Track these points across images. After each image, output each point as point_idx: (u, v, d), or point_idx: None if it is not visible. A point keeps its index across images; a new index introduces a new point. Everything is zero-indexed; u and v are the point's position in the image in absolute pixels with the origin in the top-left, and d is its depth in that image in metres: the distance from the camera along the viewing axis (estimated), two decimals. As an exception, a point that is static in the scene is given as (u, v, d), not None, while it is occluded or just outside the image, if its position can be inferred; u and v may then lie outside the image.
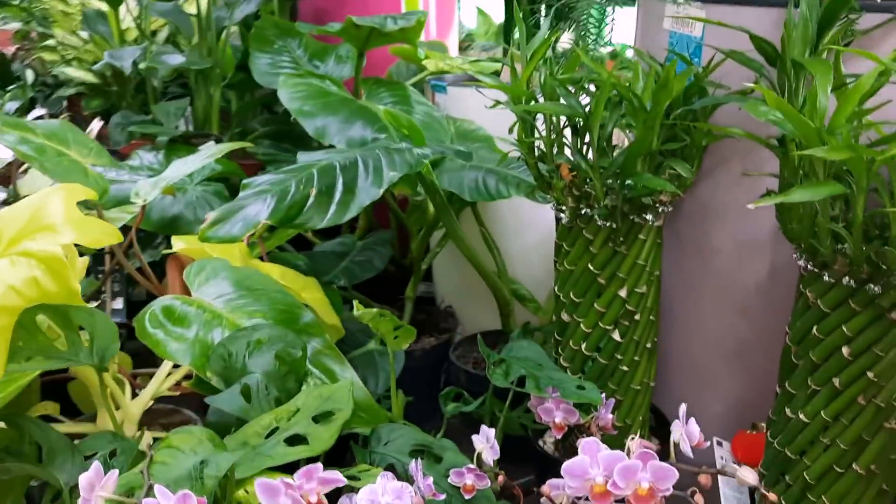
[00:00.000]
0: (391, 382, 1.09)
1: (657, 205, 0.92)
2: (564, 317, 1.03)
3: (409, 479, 0.89)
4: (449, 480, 0.94)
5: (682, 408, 0.77)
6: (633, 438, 0.83)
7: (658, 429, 1.16)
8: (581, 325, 1.01)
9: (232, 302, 1.03)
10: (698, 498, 0.80)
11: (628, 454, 0.77)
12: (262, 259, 1.33)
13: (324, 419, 0.88)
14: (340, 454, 0.98)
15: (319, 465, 0.67)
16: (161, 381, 1.14)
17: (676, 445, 0.77)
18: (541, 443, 1.16)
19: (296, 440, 0.86)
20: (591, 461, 0.76)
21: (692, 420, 0.76)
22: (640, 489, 0.74)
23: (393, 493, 0.81)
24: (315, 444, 0.85)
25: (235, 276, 1.07)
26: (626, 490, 0.74)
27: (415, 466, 0.86)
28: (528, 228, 1.49)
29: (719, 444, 1.03)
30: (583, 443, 0.76)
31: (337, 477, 0.68)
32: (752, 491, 1.03)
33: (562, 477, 1.14)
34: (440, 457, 0.98)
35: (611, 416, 0.98)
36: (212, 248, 1.24)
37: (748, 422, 1.04)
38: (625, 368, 1.02)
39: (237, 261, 1.19)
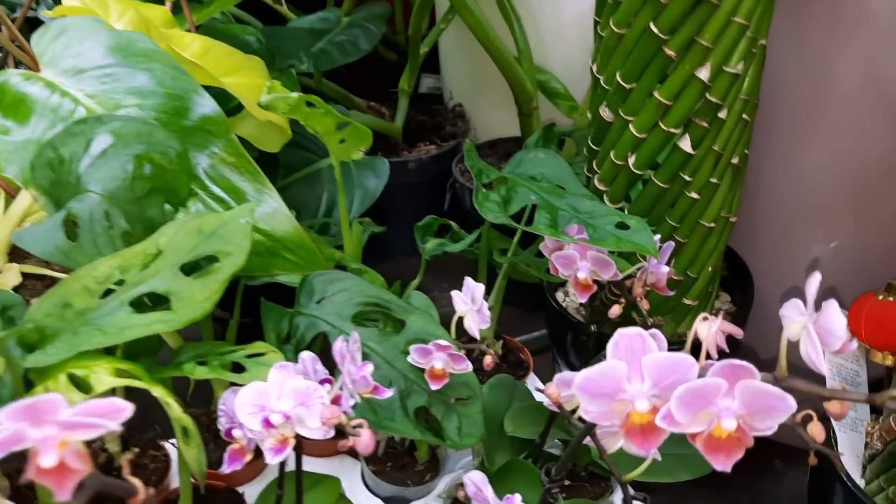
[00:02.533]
0: (341, 206, 0.74)
1: (780, -88, 0.52)
2: (604, 113, 0.66)
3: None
4: (409, 360, 0.61)
5: (815, 278, 0.41)
6: (705, 318, 0.49)
7: (734, 282, 0.81)
8: (631, 126, 0.63)
9: (100, 80, 0.68)
10: (814, 429, 0.46)
11: (693, 351, 0.43)
12: (190, 32, 0.96)
13: (201, 268, 0.55)
14: (253, 313, 0.66)
15: (57, 397, 0.33)
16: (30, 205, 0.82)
17: (792, 344, 0.42)
18: (559, 296, 0.82)
19: (151, 302, 0.54)
20: (631, 369, 0.42)
21: (832, 305, 0.40)
22: (717, 429, 0.40)
23: (294, 396, 0.49)
24: (181, 308, 0.52)
25: (112, 42, 0.71)
26: (690, 426, 0.41)
27: (342, 348, 0.54)
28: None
29: (831, 314, 0.68)
30: (618, 337, 0.42)
31: (100, 423, 0.34)
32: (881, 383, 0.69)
33: (581, 352, 0.82)
34: (403, 322, 0.65)
35: (666, 268, 0.63)
36: (119, 10, 0.87)
37: (875, 282, 0.68)
38: (694, 196, 0.66)
39: (153, 32, 0.82)
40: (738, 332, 0.50)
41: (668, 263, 0.64)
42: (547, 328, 0.88)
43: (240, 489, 0.71)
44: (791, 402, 0.39)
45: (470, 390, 0.63)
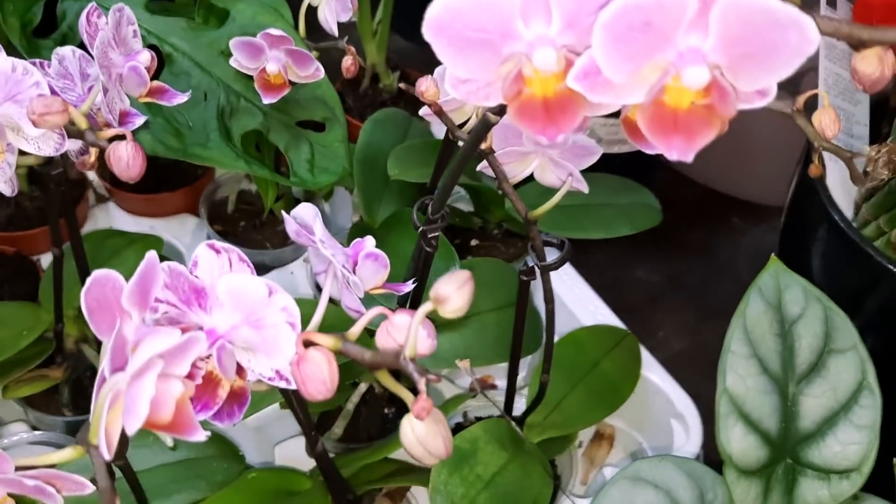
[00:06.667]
0: None
1: None
2: None
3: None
4: (232, 64, 0.42)
5: None
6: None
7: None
8: None
9: None
10: (825, 117, 0.29)
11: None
12: None
13: None
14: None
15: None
16: None
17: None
18: None
19: None
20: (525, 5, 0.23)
21: None
22: (675, 89, 0.22)
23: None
24: None
25: None
26: (628, 91, 0.23)
27: (93, 21, 0.34)
28: None
29: (831, 2, 0.50)
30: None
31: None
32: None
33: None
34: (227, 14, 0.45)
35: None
36: None
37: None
38: None
39: None
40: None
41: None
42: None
43: (37, 257, 0.54)
44: (810, 33, 0.21)
45: (327, 110, 0.45)
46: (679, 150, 0.22)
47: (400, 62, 0.69)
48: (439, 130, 0.61)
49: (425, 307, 0.26)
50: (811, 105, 0.31)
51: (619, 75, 0.22)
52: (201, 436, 0.23)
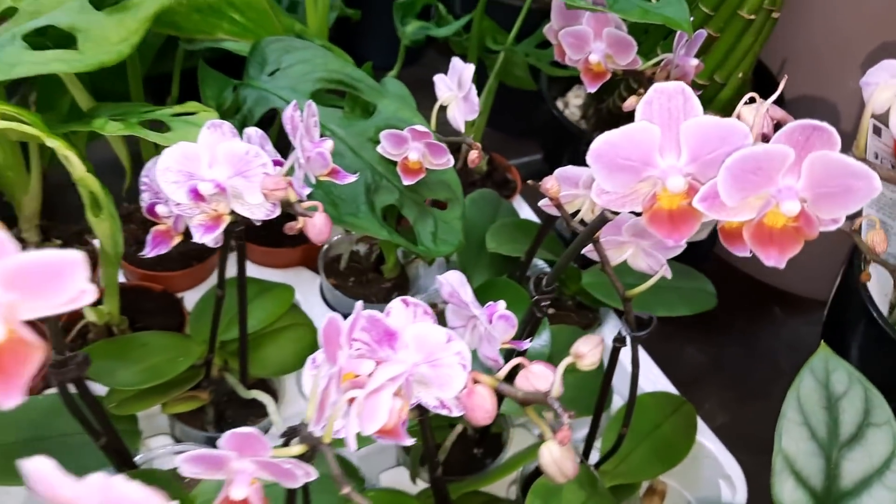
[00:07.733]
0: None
1: None
2: None
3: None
4: (378, 150, 0.51)
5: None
6: (752, 100, 0.40)
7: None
8: None
9: None
10: (875, 237, 0.37)
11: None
12: None
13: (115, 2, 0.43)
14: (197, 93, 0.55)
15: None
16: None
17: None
18: (560, 105, 0.72)
19: (53, 41, 0.42)
20: (665, 138, 0.32)
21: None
22: (773, 215, 0.30)
23: (230, 163, 0.39)
24: (90, 49, 0.41)
25: None
26: (736, 212, 0.31)
27: (293, 116, 0.43)
28: None
29: (876, 131, 0.58)
30: (654, 94, 0.32)
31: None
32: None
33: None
34: (372, 105, 0.54)
35: (695, 60, 0.53)
36: None
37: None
38: (735, -22, 0.54)
39: None
40: (789, 119, 0.40)
41: (696, 56, 0.53)
42: (542, 145, 0.78)
43: (180, 295, 0.62)
44: (876, 182, 0.29)
45: (450, 192, 0.54)
46: (774, 259, 0.31)
47: (489, 146, 0.78)
48: (519, 207, 0.71)
49: (566, 361, 0.34)
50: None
51: (732, 201, 0.31)
52: (409, 440, 0.31)
